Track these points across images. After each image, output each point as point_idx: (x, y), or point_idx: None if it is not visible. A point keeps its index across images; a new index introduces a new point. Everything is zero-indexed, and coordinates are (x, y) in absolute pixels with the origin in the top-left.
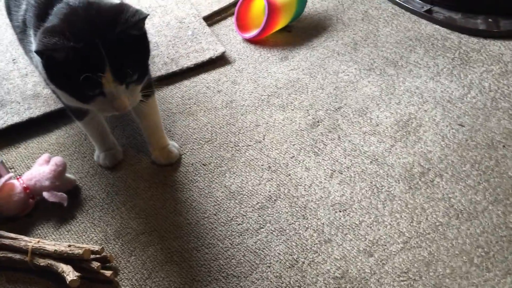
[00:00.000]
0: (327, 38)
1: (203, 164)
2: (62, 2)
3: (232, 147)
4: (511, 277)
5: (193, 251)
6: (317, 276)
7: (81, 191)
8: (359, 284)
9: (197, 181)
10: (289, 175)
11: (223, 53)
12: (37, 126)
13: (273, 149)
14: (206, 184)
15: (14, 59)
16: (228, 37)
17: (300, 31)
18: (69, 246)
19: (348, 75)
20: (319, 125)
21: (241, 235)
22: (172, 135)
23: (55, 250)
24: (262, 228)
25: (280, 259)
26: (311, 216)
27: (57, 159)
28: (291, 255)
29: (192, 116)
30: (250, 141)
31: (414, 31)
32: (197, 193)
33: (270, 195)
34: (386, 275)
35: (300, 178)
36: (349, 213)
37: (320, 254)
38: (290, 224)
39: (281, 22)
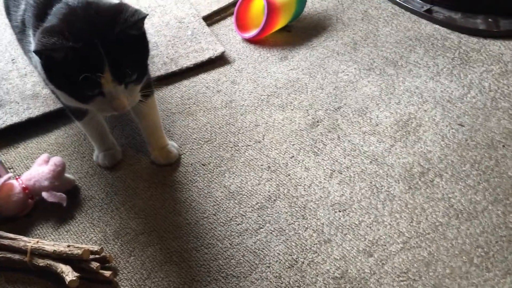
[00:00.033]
0: (327, 38)
1: (202, 164)
2: (61, 2)
3: (231, 147)
4: (510, 277)
5: (192, 251)
6: (317, 276)
7: (80, 191)
8: (358, 284)
9: (196, 181)
10: (289, 175)
11: (223, 53)
12: (36, 126)
13: (273, 149)
14: (205, 184)
15: (13, 59)
16: (227, 37)
17: (299, 31)
18: (68, 246)
19: (347, 75)
20: (318, 125)
21: (240, 235)
22: (171, 135)
23: (54, 250)
24: (262, 228)
25: (279, 259)
26: (310, 216)
27: (56, 159)
28: (291, 255)
29: (191, 116)
30: (250, 141)
31: (414, 31)
32: (196, 193)
33: (269, 195)
34: (385, 275)
35: (300, 178)
36: (348, 213)
37: (320, 254)
38: (289, 224)
39: (281, 22)
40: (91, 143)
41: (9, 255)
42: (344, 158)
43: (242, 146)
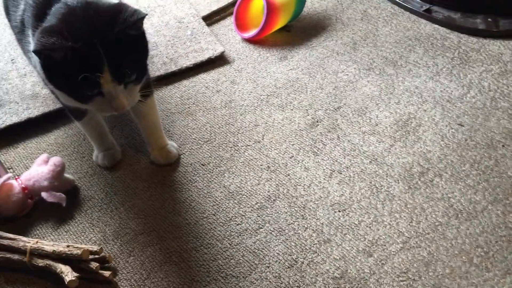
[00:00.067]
0: (326, 38)
1: (202, 164)
2: (60, 2)
3: (231, 147)
4: (510, 277)
5: (192, 251)
6: (316, 276)
7: (80, 191)
8: (358, 284)
9: (196, 181)
10: (288, 175)
11: (222, 53)
12: (36, 126)
13: (272, 149)
14: (205, 184)
15: (12, 59)
16: (227, 37)
17: (299, 31)
18: (68, 246)
19: (347, 74)
20: (318, 125)
21: (240, 235)
22: (171, 135)
23: (54, 250)
24: (261, 228)
25: (279, 259)
26: (310, 216)
27: (55, 159)
28: (290, 255)
29: (191, 116)
30: (249, 141)
31: (413, 31)
32: (196, 193)
33: (269, 195)
34: (385, 275)
35: (299, 178)
36: (348, 213)
37: (319, 254)
38: (289, 224)
39: (280, 21)
40: (91, 143)
41: (8, 255)
42: (344, 158)
43: (242, 146)
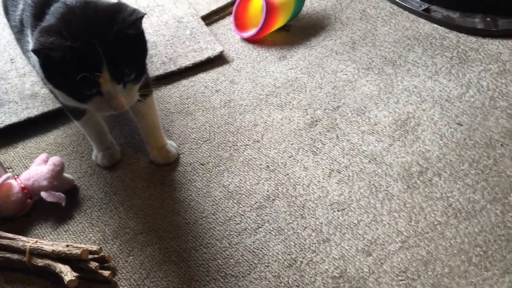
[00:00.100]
0: (325, 37)
1: (201, 164)
2: (59, 1)
3: (230, 147)
4: (509, 276)
5: (191, 250)
6: (316, 275)
7: (79, 191)
8: (357, 283)
9: (195, 181)
10: (288, 174)
11: (221, 52)
12: (35, 126)
13: (272, 148)
14: (204, 184)
15: (12, 59)
16: (226, 37)
17: (298, 30)
18: (67, 246)
19: (346, 74)
20: (317, 124)
21: (239, 234)
22: (170, 135)
23: (53, 250)
24: (260, 227)
25: (278, 258)
26: (309, 216)
27: (55, 159)
28: (290, 255)
29: (190, 116)
30: (248, 140)
31: (412, 30)
32: (195, 192)
33: (268, 195)
34: (384, 274)
35: (299, 177)
36: (347, 213)
37: (319, 253)
38: (288, 224)
39: (279, 21)
40: (90, 142)
41: (8, 255)
42: (343, 158)
43: (241, 145)
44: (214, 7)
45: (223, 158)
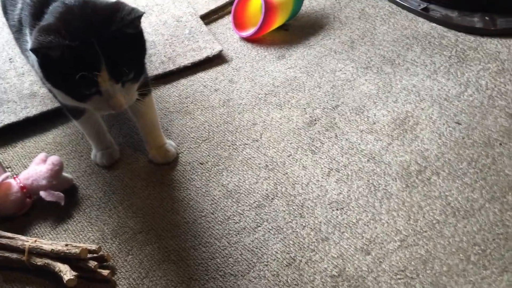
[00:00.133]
0: (324, 37)
1: (200, 163)
2: (58, 0)
3: (229, 146)
4: (507, 274)
5: (190, 250)
6: (314, 274)
7: (78, 190)
8: (356, 282)
9: (194, 180)
10: (286, 173)
11: (220, 51)
12: (34, 125)
13: (270, 147)
14: (203, 183)
15: (10, 58)
16: (225, 36)
17: (297, 30)
18: (66, 245)
19: (345, 73)
20: (316, 123)
21: (238, 233)
22: (169, 134)
23: (52, 249)
24: (259, 226)
25: (277, 257)
26: (308, 215)
27: (54, 158)
28: (288, 254)
29: (189, 115)
30: (247, 139)
31: (411, 29)
32: (194, 192)
33: (267, 194)
34: (383, 273)
35: (297, 176)
36: (346, 212)
37: (317, 252)
38: (287, 223)
39: (278, 20)
40: (89, 142)
41: (7, 254)
42: (342, 157)
43: (240, 144)
44: (213, 6)
45: (222, 157)
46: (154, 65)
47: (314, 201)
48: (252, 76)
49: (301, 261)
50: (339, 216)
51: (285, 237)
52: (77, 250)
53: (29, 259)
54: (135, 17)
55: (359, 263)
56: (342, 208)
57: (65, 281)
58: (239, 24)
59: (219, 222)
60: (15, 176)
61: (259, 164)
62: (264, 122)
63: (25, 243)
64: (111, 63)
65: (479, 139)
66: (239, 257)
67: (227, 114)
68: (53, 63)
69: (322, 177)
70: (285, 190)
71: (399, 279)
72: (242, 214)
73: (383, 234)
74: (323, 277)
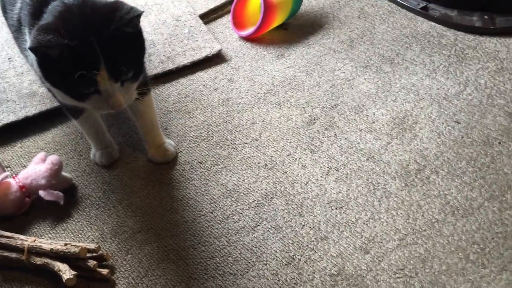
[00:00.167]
0: (324, 36)
1: (199, 162)
2: (57, 0)
3: (228, 145)
4: (506, 273)
5: (189, 249)
6: (314, 273)
7: (78, 190)
8: (355, 281)
9: (193, 179)
10: (286, 172)
11: (220, 51)
12: (33, 125)
13: (270, 147)
14: (202, 182)
15: (10, 58)
16: (224, 35)
17: (296, 29)
18: (66, 244)
19: (344, 72)
20: (315, 122)
21: (237, 233)
22: (168, 133)
23: (52, 248)
24: (259, 226)
25: (276, 256)
26: (307, 214)
27: (53, 158)
28: (288, 253)
29: (188, 114)
30: (247, 139)
31: (410, 29)
32: (193, 191)
33: (266, 193)
34: (382, 272)
35: (297, 175)
36: (345, 211)
37: (317, 251)
38: (286, 222)
39: (277, 19)
40: (88, 141)
41: (6, 253)
42: (341, 156)
43: (239, 144)
44: (212, 5)
45: (221, 156)
46: (153, 64)
47: (313, 200)
48: (251, 75)
49: (300, 260)
50: (338, 215)
51: (284, 236)
52: (77, 250)
53: (28, 258)
54: (134, 16)
55: (358, 262)
56: (341, 207)
57: (64, 280)
58: (238, 23)
59: (218, 221)
60: (14, 175)
61: (258, 163)
62: (263, 121)
63: (24, 242)
64: (110, 62)
65: (478, 138)
66: (238, 256)
67: (226, 113)
68: (52, 62)
69: (321, 176)
70: (284, 189)
71: (398, 278)
72: (241, 213)
73: (382, 233)
74: (322, 276)
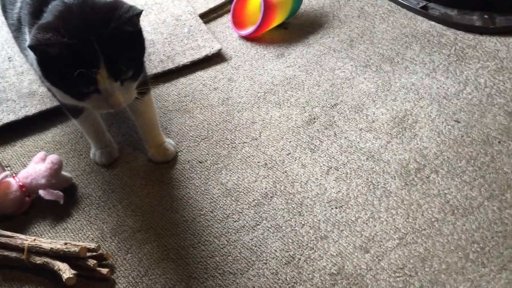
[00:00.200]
0: (323, 35)
1: (199, 162)
2: None
3: (228, 144)
4: (506, 272)
5: (189, 248)
6: (313, 272)
7: (77, 189)
8: (355, 280)
9: (193, 179)
10: (285, 172)
11: (219, 50)
12: (33, 124)
13: (269, 146)
14: (202, 182)
15: (9, 57)
16: (224, 34)
17: (296, 28)
18: (66, 244)
19: (344, 71)
20: (315, 122)
21: (237, 232)
22: (168, 133)
23: (51, 248)
24: (259, 225)
25: (276, 255)
26: (307, 213)
27: (53, 157)
28: (287, 252)
29: (188, 114)
30: (246, 138)
31: (410, 28)
32: (193, 190)
33: (266, 192)
34: (382, 271)
35: (296, 175)
36: (345, 210)
37: (316, 250)
38: (286, 221)
39: (277, 19)
40: (88, 141)
41: (6, 253)
42: (341, 155)
43: (239, 143)
44: (212, 5)
45: (221, 155)
46: (153, 63)
47: (313, 199)
48: (251, 74)
49: (300, 259)
50: (338, 214)
51: (284, 235)
52: (76, 249)
53: (28, 257)
54: (133, 14)
55: (358, 261)
56: (341, 206)
57: (64, 280)
58: (238, 23)
59: (218, 221)
60: (14, 175)
61: (258, 162)
62: (263, 120)
63: (24, 241)
64: (109, 61)
65: (478, 137)
66: (238, 255)
67: (226, 112)
68: (51, 61)
69: (321, 176)
70: (284, 189)
71: (398, 277)
72: (241, 212)
73: (382, 232)
74: (322, 275)
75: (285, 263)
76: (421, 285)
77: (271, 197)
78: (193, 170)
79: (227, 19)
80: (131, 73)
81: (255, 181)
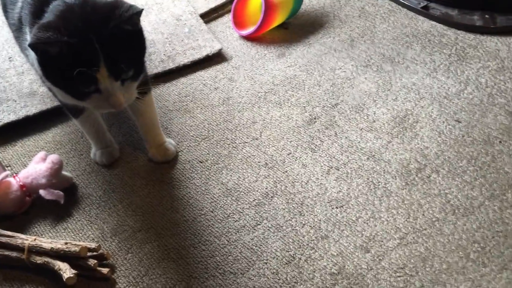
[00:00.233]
0: (324, 35)
1: (200, 161)
2: None
3: (229, 144)
4: (507, 272)
5: (190, 248)
6: (314, 272)
7: (78, 189)
8: (355, 280)
9: (194, 178)
10: (286, 171)
11: (220, 50)
12: (34, 124)
13: (270, 146)
14: (203, 181)
15: (10, 57)
16: (224, 34)
17: (297, 28)
18: (66, 243)
19: (345, 71)
20: (316, 121)
21: (238, 232)
22: (168, 133)
23: (52, 247)
24: (259, 225)
25: (277, 255)
26: (308, 213)
27: (53, 157)
28: (288, 252)
29: (188, 114)
30: (247, 138)
31: (411, 28)
32: (194, 190)
33: (267, 192)
34: (382, 270)
35: (297, 174)
36: (345, 210)
37: (317, 250)
38: (287, 221)
39: (278, 19)
40: (89, 140)
41: (6, 252)
42: (341, 155)
43: (240, 143)
44: (212, 5)
45: (222, 155)
46: (154, 63)
47: (314, 199)
48: (251, 74)
49: (300, 259)
50: (338, 214)
51: (285, 235)
52: (77, 249)
53: (28, 257)
54: (134, 13)
55: (358, 261)
56: (342, 206)
57: (64, 279)
58: (238, 23)
59: (218, 220)
60: (14, 174)
61: (258, 162)
62: (264, 120)
63: (25, 241)
64: (110, 60)
65: (478, 137)
66: (239, 255)
67: (226, 112)
68: (52, 60)
69: (321, 175)
70: (285, 188)
71: (399, 276)
72: (241, 212)
73: (383, 232)
74: (323, 274)
75: (286, 263)
76: (421, 284)
77: (271, 197)
78: (194, 170)
79: (227, 19)
80: (132, 73)
81: (256, 181)
